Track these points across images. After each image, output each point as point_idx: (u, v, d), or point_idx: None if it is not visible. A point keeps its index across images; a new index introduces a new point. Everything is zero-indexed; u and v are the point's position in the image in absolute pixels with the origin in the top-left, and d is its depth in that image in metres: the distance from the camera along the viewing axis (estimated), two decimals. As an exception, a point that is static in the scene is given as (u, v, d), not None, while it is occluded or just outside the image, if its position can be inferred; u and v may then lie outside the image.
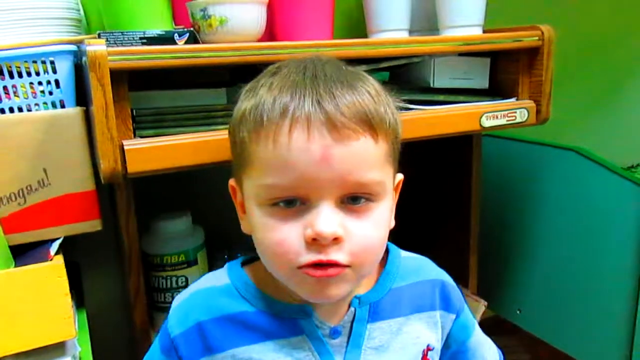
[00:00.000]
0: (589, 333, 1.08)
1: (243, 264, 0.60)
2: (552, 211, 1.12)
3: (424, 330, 0.60)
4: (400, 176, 0.58)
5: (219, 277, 0.59)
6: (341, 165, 0.48)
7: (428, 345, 0.60)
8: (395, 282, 0.60)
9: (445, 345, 0.63)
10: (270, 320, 0.55)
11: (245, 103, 0.52)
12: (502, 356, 0.69)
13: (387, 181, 0.53)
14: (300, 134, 0.47)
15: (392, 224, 0.55)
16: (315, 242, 0.48)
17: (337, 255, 0.48)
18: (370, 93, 0.51)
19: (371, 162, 0.50)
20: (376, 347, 0.57)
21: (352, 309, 0.56)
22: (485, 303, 0.99)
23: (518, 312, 1.22)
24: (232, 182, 0.58)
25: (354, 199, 0.50)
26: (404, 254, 0.63)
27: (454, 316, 0.62)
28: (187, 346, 0.55)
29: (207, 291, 0.57)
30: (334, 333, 0.55)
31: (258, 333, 0.55)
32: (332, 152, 0.47)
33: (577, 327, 1.10)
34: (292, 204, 0.49)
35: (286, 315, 0.55)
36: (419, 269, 0.62)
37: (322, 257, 0.48)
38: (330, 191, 0.48)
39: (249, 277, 0.58)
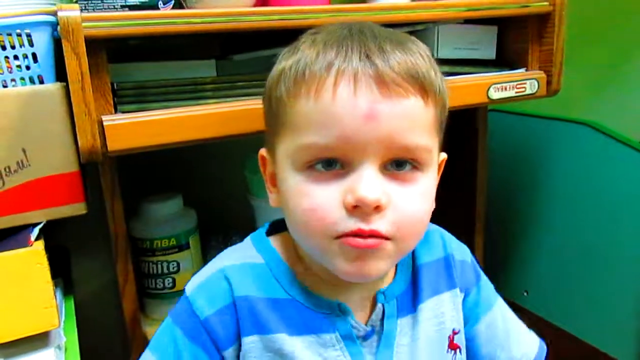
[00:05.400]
0: (598, 314, 1.06)
1: (268, 233, 0.56)
2: (562, 189, 1.08)
3: (448, 314, 0.56)
4: (443, 155, 0.53)
5: (248, 254, 0.53)
6: (388, 124, 0.43)
7: (453, 330, 0.56)
8: (413, 266, 0.56)
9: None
10: (304, 312, 0.50)
11: (283, 62, 0.48)
12: (541, 350, 0.63)
13: (434, 151, 0.48)
14: (346, 88, 0.43)
15: (433, 204, 0.50)
16: (356, 210, 0.43)
17: (379, 224, 0.44)
18: (422, 55, 0.47)
19: (420, 125, 0.45)
20: (407, 343, 0.53)
21: (379, 305, 0.52)
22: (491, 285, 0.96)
23: (525, 293, 1.19)
24: (262, 151, 0.53)
25: (398, 164, 0.45)
26: None
27: (462, 295, 0.58)
28: (223, 326, 0.50)
29: (241, 268, 0.52)
30: (369, 334, 0.51)
31: (290, 324, 0.50)
32: (380, 109, 0.43)
33: (586, 308, 1.08)
34: (332, 165, 0.45)
35: (321, 310, 0.51)
36: (433, 244, 0.58)
37: (364, 226, 0.44)
38: (375, 153, 0.44)
39: (280, 253, 0.53)
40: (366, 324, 0.52)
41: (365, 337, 0.51)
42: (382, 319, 0.52)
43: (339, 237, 0.44)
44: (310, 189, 0.45)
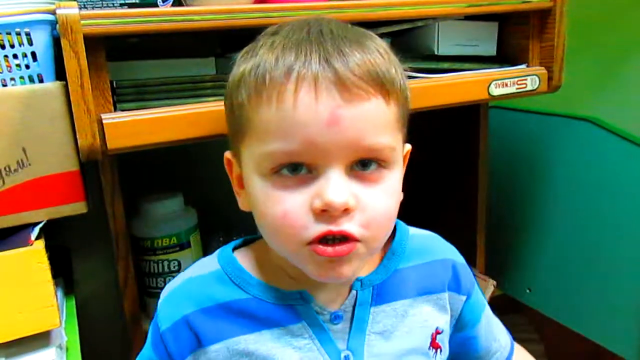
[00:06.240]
0: (601, 311, 1.05)
1: (236, 248, 0.56)
2: (564, 186, 1.08)
3: (433, 313, 0.56)
4: (408, 146, 0.53)
5: (209, 264, 0.55)
6: (351, 128, 0.43)
7: (437, 329, 0.56)
8: (402, 262, 0.55)
9: (457, 328, 0.59)
10: (266, 307, 0.51)
11: (243, 65, 0.48)
12: (510, 336, 0.66)
13: (398, 148, 0.49)
14: (307, 94, 0.43)
15: (401, 196, 0.51)
16: (324, 214, 0.44)
17: (348, 226, 0.44)
18: (380, 52, 0.46)
19: (383, 125, 0.46)
20: (381, 332, 0.53)
21: (353, 292, 0.52)
22: (494, 282, 0.96)
23: (528, 291, 1.19)
24: (227, 154, 0.53)
25: (364, 164, 0.45)
26: (413, 231, 0.59)
27: (464, 297, 0.58)
28: (176, 342, 0.51)
29: (195, 280, 0.53)
30: (335, 318, 0.51)
31: (253, 322, 0.51)
32: (342, 114, 0.43)
33: (589, 306, 1.07)
34: (297, 170, 0.45)
35: (283, 302, 0.51)
36: (428, 248, 0.58)
37: (333, 228, 0.44)
38: (340, 157, 0.44)
39: (241, 261, 0.53)
40: (338, 310, 0.52)
41: (334, 322, 0.51)
42: (354, 306, 0.52)
43: (309, 243, 0.45)
44: (278, 196, 0.45)
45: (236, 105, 0.48)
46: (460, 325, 0.59)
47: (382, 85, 0.45)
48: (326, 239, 0.45)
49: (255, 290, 0.51)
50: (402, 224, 0.58)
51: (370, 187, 0.46)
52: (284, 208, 0.45)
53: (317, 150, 0.44)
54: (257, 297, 0.51)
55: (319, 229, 0.44)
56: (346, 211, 0.44)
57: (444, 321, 0.57)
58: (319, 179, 0.44)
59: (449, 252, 0.59)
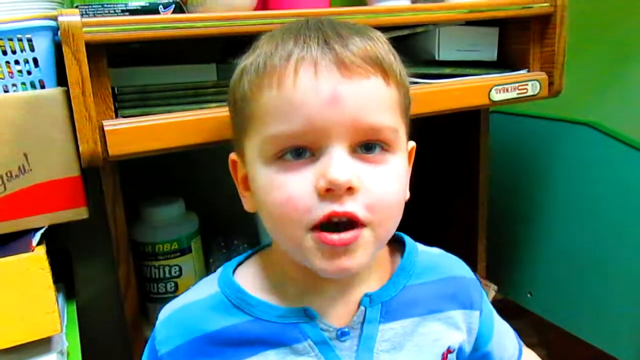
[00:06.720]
0: (601, 315, 1.05)
1: (241, 262, 0.55)
2: (565, 190, 1.08)
3: (444, 332, 0.54)
4: (412, 143, 0.53)
5: (209, 286, 0.53)
6: (352, 105, 0.43)
7: (449, 348, 0.54)
8: (411, 279, 0.54)
9: (474, 347, 0.57)
10: (269, 327, 0.49)
11: (244, 61, 0.49)
12: (518, 338, 0.64)
13: (401, 132, 0.48)
14: (307, 73, 0.43)
15: (407, 194, 0.50)
16: (329, 194, 0.43)
17: (353, 206, 0.43)
18: (381, 41, 0.47)
19: (384, 104, 0.46)
20: (389, 350, 0.51)
21: (362, 308, 0.51)
22: (496, 287, 0.96)
23: (529, 295, 1.19)
24: (232, 155, 0.53)
25: (367, 148, 0.45)
26: (422, 248, 0.58)
27: (478, 313, 0.57)
28: None
29: (196, 305, 0.52)
30: (342, 335, 0.50)
31: (256, 343, 0.49)
32: (342, 90, 0.43)
33: (590, 310, 1.07)
34: (301, 155, 0.45)
35: (286, 321, 0.50)
36: (438, 266, 0.57)
37: (337, 208, 0.43)
38: (342, 136, 0.44)
39: (241, 280, 0.52)
40: (345, 327, 0.50)
41: (341, 339, 0.50)
42: (363, 323, 0.51)
43: (314, 227, 0.44)
44: (282, 180, 0.45)
45: (239, 98, 0.48)
46: (478, 344, 0.57)
47: (381, 66, 0.45)
48: (330, 226, 0.44)
49: (256, 310, 0.50)
50: (410, 240, 0.57)
51: (375, 168, 0.45)
52: (287, 192, 0.44)
53: (319, 129, 0.43)
54: (259, 317, 0.50)
55: (323, 210, 0.43)
56: (350, 190, 0.43)
57: (455, 340, 0.55)
58: (322, 159, 0.44)
59: (457, 269, 0.58)
